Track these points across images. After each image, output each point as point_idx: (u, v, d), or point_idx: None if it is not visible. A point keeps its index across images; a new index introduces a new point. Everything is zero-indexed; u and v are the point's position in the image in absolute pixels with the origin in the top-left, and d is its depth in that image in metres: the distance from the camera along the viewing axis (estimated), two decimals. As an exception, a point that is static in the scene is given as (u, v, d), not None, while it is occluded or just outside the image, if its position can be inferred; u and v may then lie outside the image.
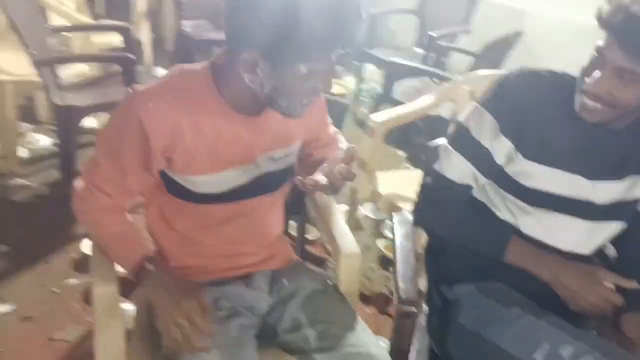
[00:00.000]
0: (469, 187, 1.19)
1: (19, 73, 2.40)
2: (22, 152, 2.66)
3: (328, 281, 1.27)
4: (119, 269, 1.11)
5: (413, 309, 1.13)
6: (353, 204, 2.24)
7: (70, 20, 2.95)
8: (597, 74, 1.03)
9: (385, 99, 2.84)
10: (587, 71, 1.06)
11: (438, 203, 1.22)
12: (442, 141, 1.23)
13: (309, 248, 2.17)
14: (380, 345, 1.13)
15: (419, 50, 3.53)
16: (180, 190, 1.11)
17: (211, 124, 1.05)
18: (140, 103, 1.02)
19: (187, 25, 3.40)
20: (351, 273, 1.26)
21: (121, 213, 1.14)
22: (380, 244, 2.32)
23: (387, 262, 2.22)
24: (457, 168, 1.18)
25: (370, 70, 3.83)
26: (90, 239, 1.18)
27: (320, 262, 2.17)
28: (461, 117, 1.21)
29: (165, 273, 1.06)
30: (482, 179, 1.18)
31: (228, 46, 1.02)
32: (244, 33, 0.95)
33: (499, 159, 1.15)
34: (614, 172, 1.16)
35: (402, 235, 1.31)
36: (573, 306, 1.14)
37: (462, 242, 1.21)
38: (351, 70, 3.96)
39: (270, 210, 1.24)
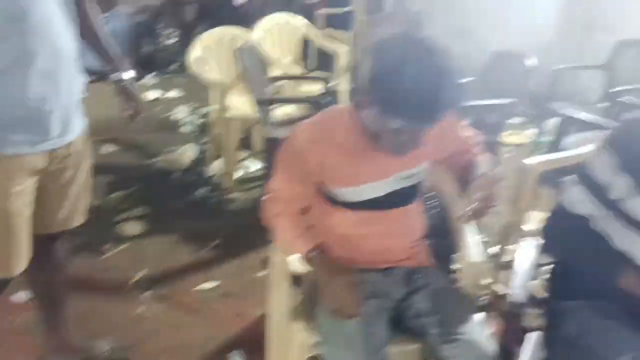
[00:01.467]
0: (585, 219, 1.35)
1: (243, 111, 3.08)
2: (238, 173, 3.35)
3: (456, 284, 1.53)
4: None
5: (520, 310, 1.33)
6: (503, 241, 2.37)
7: (285, 71, 3.64)
8: None
9: (555, 148, 2.93)
10: None
11: (559, 232, 1.40)
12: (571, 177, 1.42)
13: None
14: (489, 339, 1.35)
15: (604, 106, 3.50)
16: (332, 198, 1.46)
17: (352, 149, 1.39)
18: (300, 135, 1.42)
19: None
20: (473, 278, 1.50)
21: (294, 216, 1.49)
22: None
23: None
24: (578, 201, 1.35)
25: (553, 124, 3.88)
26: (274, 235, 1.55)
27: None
28: (587, 155, 1.39)
29: (325, 259, 1.41)
30: (601, 211, 1.34)
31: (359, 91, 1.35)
32: (367, 83, 1.26)
33: (616, 194, 1.30)
34: None
35: (524, 256, 1.51)
36: None
37: (578, 267, 1.37)
38: (533, 122, 4.04)
39: (406, 220, 1.51)
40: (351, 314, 1.31)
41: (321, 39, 4.14)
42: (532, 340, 1.47)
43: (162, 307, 2.23)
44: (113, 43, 1.72)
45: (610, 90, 3.39)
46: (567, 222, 1.37)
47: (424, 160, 1.47)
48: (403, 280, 1.52)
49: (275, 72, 3.62)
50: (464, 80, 3.78)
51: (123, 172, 3.42)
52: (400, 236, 1.53)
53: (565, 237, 1.38)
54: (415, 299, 1.47)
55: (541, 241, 1.48)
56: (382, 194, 1.45)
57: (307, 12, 5.77)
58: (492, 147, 3.10)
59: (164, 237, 2.72)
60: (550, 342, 1.39)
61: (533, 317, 1.45)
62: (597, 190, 1.32)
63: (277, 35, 3.93)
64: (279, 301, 1.51)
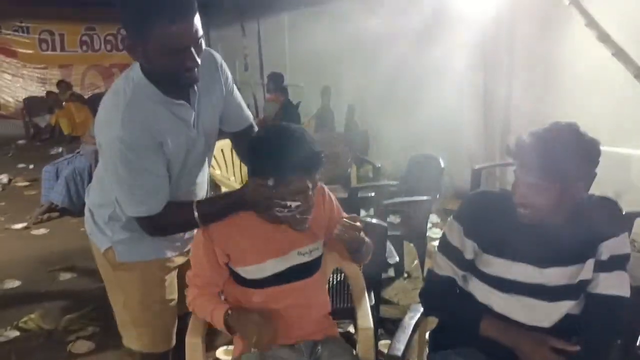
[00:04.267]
0: (452, 279, 1.60)
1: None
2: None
3: (353, 351, 1.71)
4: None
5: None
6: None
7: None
8: (517, 189, 1.46)
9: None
10: (513, 189, 1.49)
11: (431, 293, 1.64)
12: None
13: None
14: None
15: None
16: (238, 277, 1.68)
17: (254, 230, 1.64)
18: (206, 228, 1.64)
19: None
20: (366, 342, 1.69)
21: (209, 296, 1.68)
22: None
23: None
24: (442, 266, 1.61)
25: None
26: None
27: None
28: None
29: (238, 310, 1.58)
30: (460, 272, 1.59)
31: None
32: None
33: (468, 255, 1.56)
34: (560, 260, 1.49)
35: (409, 317, 1.72)
36: None
37: (449, 320, 1.59)
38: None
39: (310, 292, 1.73)
40: (267, 343, 1.49)
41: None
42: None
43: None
44: None
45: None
46: (438, 285, 1.61)
47: (318, 236, 1.72)
48: (308, 351, 1.70)
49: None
50: (393, 183, 4.17)
51: (78, 295, 3.56)
52: (307, 308, 1.73)
53: (437, 296, 1.62)
54: None
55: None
56: (283, 269, 1.67)
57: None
58: (419, 238, 3.39)
59: (110, 353, 2.82)
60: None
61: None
62: (455, 254, 1.58)
63: (221, 158, 4.32)
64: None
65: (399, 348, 1.54)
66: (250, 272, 1.67)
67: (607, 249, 1.48)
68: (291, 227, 1.61)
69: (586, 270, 1.48)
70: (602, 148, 1.44)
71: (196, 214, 1.58)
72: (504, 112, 5.06)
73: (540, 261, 1.49)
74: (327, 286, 1.84)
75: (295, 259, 1.69)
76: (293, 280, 1.69)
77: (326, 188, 1.76)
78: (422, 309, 1.75)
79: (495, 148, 5.08)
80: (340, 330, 2.69)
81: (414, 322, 1.68)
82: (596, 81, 4.10)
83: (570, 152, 1.39)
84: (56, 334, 3.06)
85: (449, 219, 1.64)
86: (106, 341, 2.94)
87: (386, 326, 3.00)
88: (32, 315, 3.22)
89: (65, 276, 3.90)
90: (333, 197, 1.78)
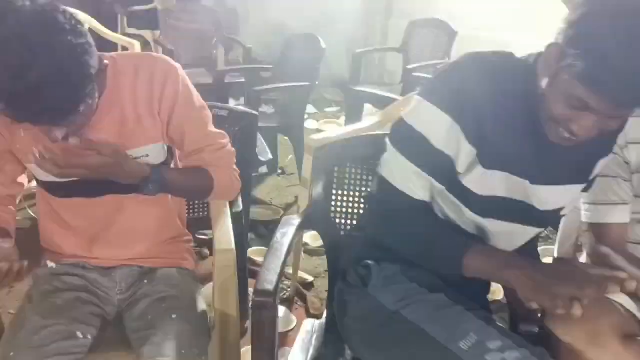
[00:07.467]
0: (427, 206, 1.11)
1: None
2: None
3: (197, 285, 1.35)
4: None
5: (269, 300, 1.10)
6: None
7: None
8: (584, 121, 0.94)
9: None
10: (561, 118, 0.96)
11: (390, 216, 1.13)
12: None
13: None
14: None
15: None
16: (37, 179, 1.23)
17: None
18: None
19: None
20: (225, 267, 1.30)
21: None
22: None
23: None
24: (413, 183, 1.08)
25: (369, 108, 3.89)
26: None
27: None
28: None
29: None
30: (439, 188, 1.09)
31: None
32: None
33: (461, 168, 1.05)
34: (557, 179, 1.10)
35: (281, 234, 1.33)
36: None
37: (416, 259, 1.11)
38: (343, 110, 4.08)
39: (143, 211, 1.27)
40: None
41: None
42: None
43: None
44: None
45: (407, 67, 3.47)
46: (397, 205, 1.10)
47: (145, 142, 1.20)
48: (129, 280, 1.30)
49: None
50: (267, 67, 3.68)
51: None
52: (137, 228, 1.28)
53: (396, 222, 1.11)
54: (137, 307, 1.24)
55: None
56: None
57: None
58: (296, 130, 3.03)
59: None
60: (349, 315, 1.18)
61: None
62: (441, 164, 1.05)
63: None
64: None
65: (271, 280, 1.14)
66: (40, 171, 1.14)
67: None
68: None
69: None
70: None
71: None
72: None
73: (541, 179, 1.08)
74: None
75: None
76: (112, 192, 1.22)
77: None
78: (295, 222, 1.37)
79: (376, 33, 4.73)
80: (203, 237, 2.31)
81: (287, 241, 1.30)
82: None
83: None
84: None
85: (418, 102, 1.05)
86: None
87: (258, 230, 2.66)
88: None
89: None
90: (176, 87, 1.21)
